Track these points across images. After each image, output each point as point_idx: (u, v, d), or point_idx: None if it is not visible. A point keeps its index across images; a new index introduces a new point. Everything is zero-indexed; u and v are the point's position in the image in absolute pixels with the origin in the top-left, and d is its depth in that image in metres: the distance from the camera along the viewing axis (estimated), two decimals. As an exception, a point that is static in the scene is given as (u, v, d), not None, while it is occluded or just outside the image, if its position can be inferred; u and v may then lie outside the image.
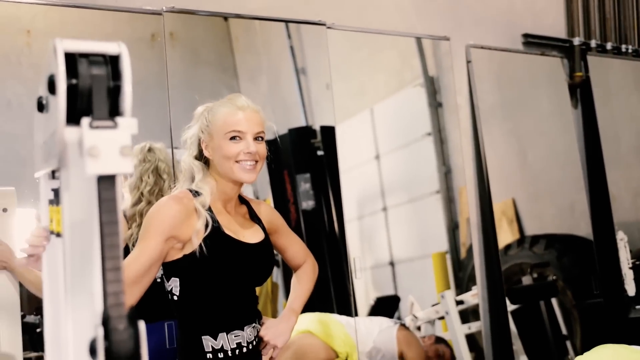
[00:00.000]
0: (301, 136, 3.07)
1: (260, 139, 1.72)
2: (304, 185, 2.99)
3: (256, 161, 1.70)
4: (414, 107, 3.40)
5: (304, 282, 1.90)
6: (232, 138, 1.68)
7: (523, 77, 3.65)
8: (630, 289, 3.49)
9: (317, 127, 3.08)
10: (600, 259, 3.52)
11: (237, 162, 1.67)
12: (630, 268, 3.51)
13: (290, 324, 1.81)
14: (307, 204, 2.98)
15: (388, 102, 3.38)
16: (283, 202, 3.00)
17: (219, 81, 2.93)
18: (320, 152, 3.05)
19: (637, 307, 3.48)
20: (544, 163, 3.62)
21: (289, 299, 1.88)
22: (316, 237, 2.94)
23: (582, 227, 3.55)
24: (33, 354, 2.26)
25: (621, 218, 3.59)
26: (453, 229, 3.34)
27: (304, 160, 3.03)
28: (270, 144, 3.10)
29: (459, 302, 3.14)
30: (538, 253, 3.42)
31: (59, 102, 0.79)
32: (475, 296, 3.22)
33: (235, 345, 1.67)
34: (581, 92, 3.68)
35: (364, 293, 3.07)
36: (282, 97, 3.25)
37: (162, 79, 2.64)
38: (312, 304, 2.61)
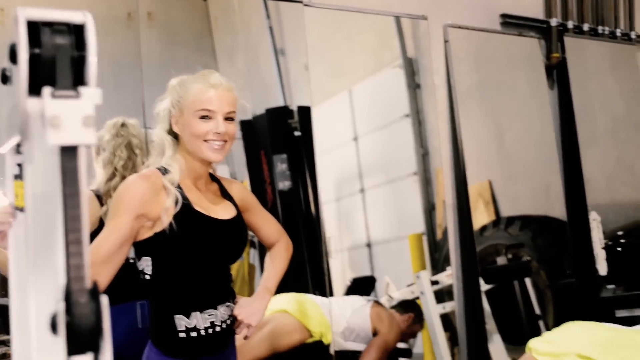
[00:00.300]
0: (278, 116, 3.05)
1: (230, 118, 1.69)
2: (281, 165, 2.98)
3: (225, 141, 1.68)
4: (393, 88, 3.40)
5: (277, 260, 1.89)
6: (202, 117, 1.66)
7: (501, 58, 3.65)
8: (602, 269, 3.53)
9: (294, 108, 3.06)
10: (573, 239, 3.55)
11: (205, 141, 1.66)
12: (603, 248, 3.56)
13: (264, 303, 1.81)
14: (284, 184, 2.97)
15: (367, 83, 3.37)
16: (259, 182, 2.98)
17: (197, 62, 2.90)
18: (297, 133, 3.04)
19: (609, 286, 3.53)
20: (521, 145, 3.64)
21: (262, 278, 1.87)
22: (292, 217, 2.94)
23: (557, 208, 3.58)
24: (6, 337, 2.23)
25: (595, 199, 3.62)
26: (430, 210, 3.35)
27: (280, 141, 3.01)
28: (247, 124, 3.11)
29: (434, 282, 3.17)
30: (513, 234, 3.45)
31: (21, 71, 0.77)
32: (450, 276, 3.25)
33: (208, 325, 1.66)
34: (557, 73, 3.69)
35: (341, 274, 3.08)
36: (261, 77, 3.23)
37: (138, 59, 2.61)
38: (288, 284, 2.61)
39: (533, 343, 1.77)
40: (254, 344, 2.32)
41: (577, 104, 3.64)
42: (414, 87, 3.37)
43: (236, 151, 3.19)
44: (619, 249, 3.62)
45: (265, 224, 1.90)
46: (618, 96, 3.95)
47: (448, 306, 3.23)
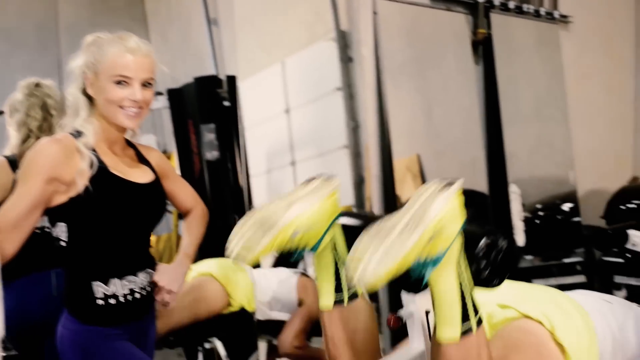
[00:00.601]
0: (207, 85, 3.02)
1: (148, 84, 1.66)
2: (209, 135, 2.96)
3: (141, 108, 1.64)
4: (326, 61, 3.41)
5: (195, 227, 1.88)
6: (118, 82, 1.61)
7: (431, 33, 3.68)
8: (520, 240, 3.66)
9: (223, 77, 3.04)
10: (494, 211, 3.66)
11: (120, 107, 1.62)
12: (522, 220, 3.68)
13: (185, 269, 1.80)
14: (212, 154, 2.96)
15: (300, 55, 3.37)
16: (187, 152, 2.96)
17: (129, 29, 2.83)
18: (226, 103, 3.02)
19: (527, 257, 3.67)
20: (448, 120, 3.69)
21: (182, 244, 1.86)
22: (220, 187, 2.93)
23: (482, 182, 3.68)
24: None
25: (516, 174, 3.72)
26: (359, 183, 3.39)
27: (209, 110, 2.99)
28: (175, 92, 3.07)
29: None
30: (439, 207, 3.52)
31: None
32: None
33: (127, 291, 1.64)
34: (483, 49, 3.75)
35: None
36: (193, 46, 3.19)
37: (62, 23, 2.53)
38: (214, 256, 2.61)
39: None
40: (175, 310, 2.31)
41: (502, 80, 3.71)
42: (346, 60, 3.39)
43: (164, 120, 3.15)
44: (537, 221, 3.75)
45: (182, 191, 1.88)
46: (541, 73, 4.05)
47: (373, 277, 3.27)
